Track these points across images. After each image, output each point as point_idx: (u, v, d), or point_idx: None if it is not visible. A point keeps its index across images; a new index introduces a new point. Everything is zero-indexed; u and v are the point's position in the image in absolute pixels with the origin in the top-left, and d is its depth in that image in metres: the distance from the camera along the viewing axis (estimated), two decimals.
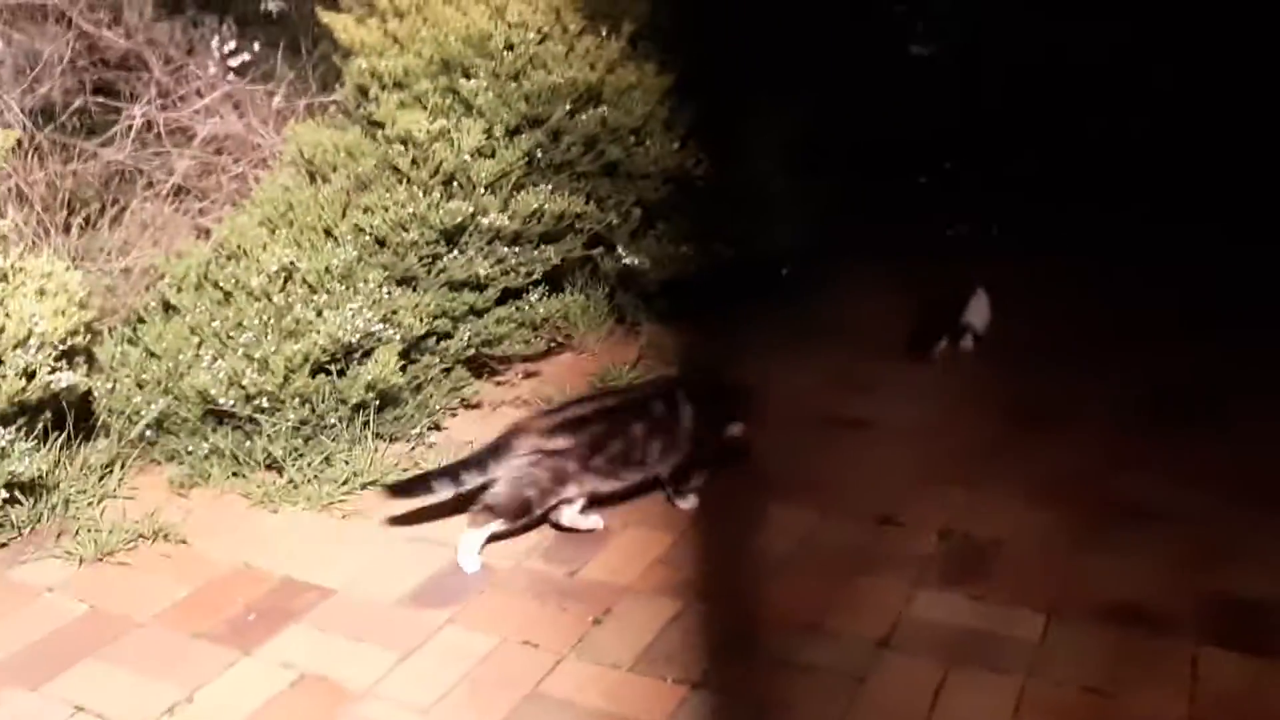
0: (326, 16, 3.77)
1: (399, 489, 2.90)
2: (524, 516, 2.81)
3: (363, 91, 3.65)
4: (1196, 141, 5.35)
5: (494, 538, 2.82)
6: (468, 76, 3.56)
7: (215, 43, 4.72)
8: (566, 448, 2.80)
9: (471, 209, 3.37)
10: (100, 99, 4.35)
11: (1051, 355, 4.09)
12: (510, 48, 3.59)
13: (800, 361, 3.99)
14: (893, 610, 2.60)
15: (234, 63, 4.63)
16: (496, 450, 2.79)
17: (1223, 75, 5.39)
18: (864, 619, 2.57)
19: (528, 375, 3.79)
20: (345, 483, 3.10)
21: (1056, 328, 4.37)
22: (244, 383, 3.04)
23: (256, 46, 4.75)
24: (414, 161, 3.38)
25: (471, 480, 2.78)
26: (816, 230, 4.76)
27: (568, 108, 3.66)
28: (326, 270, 3.24)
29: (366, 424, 3.24)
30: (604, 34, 3.82)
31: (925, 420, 3.56)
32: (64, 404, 2.97)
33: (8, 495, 2.78)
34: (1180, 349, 4.13)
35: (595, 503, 2.95)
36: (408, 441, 3.33)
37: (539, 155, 3.65)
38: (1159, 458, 3.29)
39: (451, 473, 2.80)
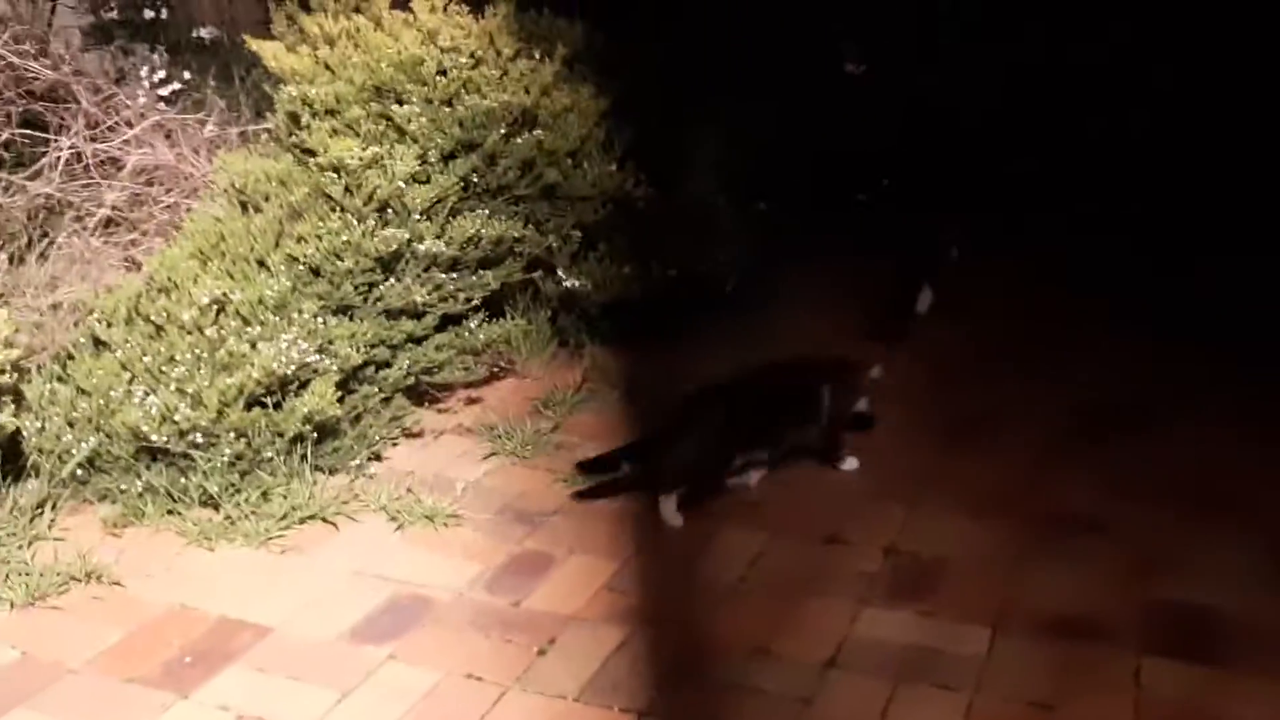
0: (255, 44, 3.72)
1: (587, 466, 3.25)
2: (706, 480, 3.14)
3: (294, 119, 3.60)
4: (1156, 150, 5.42)
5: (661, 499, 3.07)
6: (400, 102, 3.53)
7: (145, 72, 4.66)
8: (734, 416, 3.15)
9: (407, 236, 3.33)
10: (27, 131, 4.26)
11: (990, 367, 4.12)
12: (443, 72, 3.57)
13: None
14: (839, 630, 2.59)
15: (164, 91, 4.57)
16: (679, 421, 3.18)
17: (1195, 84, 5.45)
18: (811, 640, 2.56)
19: (470, 402, 3.75)
20: (284, 517, 3.04)
21: (995, 339, 4.40)
22: (177, 418, 2.98)
23: (187, 75, 4.69)
24: (347, 189, 3.34)
25: (655, 454, 3.15)
26: (759, 248, 4.77)
27: (503, 131, 3.64)
28: (260, 301, 3.19)
29: (304, 457, 3.18)
30: (538, 57, 3.81)
31: (868, 441, 3.55)
32: None
33: None
34: (1118, 358, 4.18)
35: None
36: (347, 473, 3.28)
37: (475, 180, 3.62)
38: (1098, 466, 3.31)
39: (636, 449, 3.21)
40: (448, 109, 3.57)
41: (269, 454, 3.13)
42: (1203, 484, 3.21)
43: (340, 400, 3.21)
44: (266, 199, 3.46)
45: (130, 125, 4.33)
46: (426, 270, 3.43)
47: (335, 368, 3.19)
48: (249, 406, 3.07)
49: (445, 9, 3.75)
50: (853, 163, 5.79)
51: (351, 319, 3.33)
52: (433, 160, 3.50)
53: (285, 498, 3.09)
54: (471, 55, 3.66)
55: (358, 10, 3.87)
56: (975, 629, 2.58)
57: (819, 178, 5.56)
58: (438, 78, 3.56)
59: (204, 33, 5.27)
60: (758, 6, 5.52)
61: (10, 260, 3.75)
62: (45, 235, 3.93)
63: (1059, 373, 4.01)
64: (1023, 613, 2.64)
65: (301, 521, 3.05)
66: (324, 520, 3.06)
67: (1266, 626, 2.58)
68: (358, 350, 3.23)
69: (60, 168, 4.14)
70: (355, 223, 3.31)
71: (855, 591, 2.74)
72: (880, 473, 3.34)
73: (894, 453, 3.45)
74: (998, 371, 4.06)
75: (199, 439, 3.02)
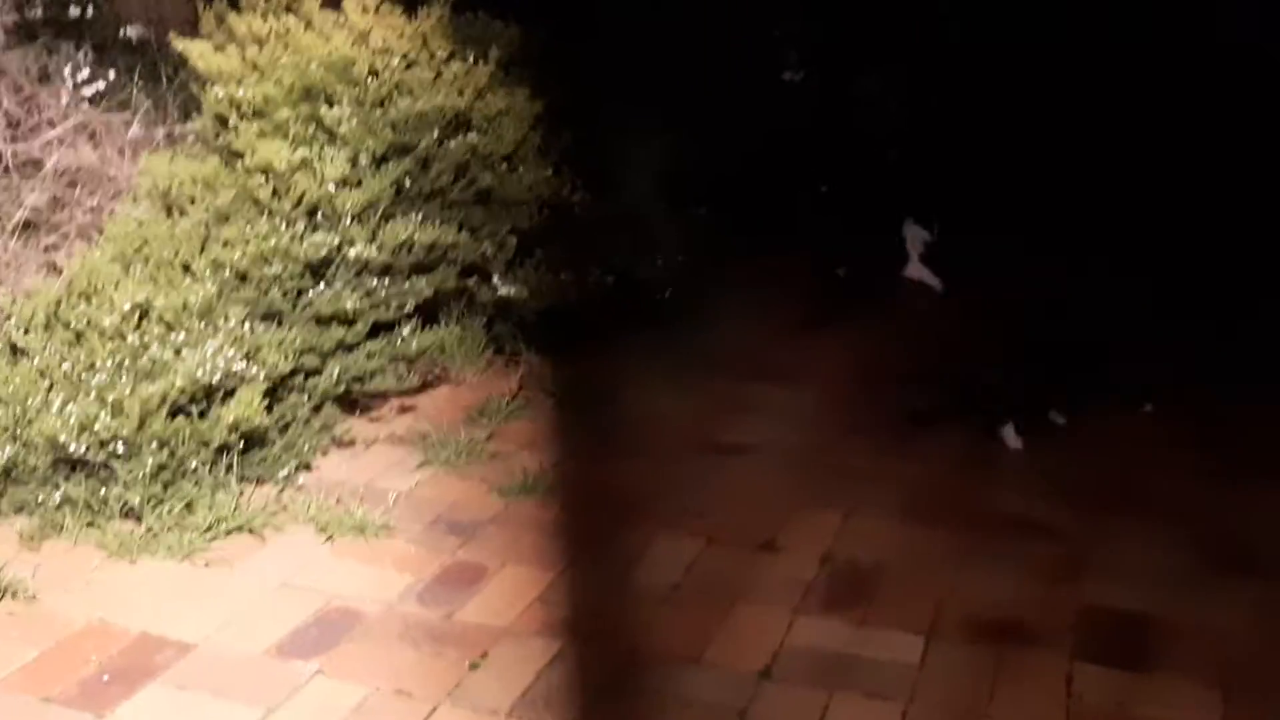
0: (182, 44, 3.64)
1: None
2: None
3: (221, 121, 3.52)
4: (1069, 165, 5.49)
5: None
6: (331, 104, 3.47)
7: (69, 71, 4.53)
8: None
9: (337, 241, 3.27)
10: None
11: (924, 367, 4.15)
12: (375, 74, 3.51)
13: (683, 387, 3.95)
14: (774, 639, 2.58)
15: (89, 91, 4.44)
16: None
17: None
18: (746, 649, 2.54)
19: (403, 410, 3.68)
20: (208, 529, 2.96)
21: (924, 345, 4.44)
22: (97, 427, 2.89)
23: (113, 74, 4.57)
24: (275, 193, 3.27)
25: None
26: (698, 254, 4.76)
27: (436, 135, 3.58)
28: (184, 307, 3.11)
29: (230, 467, 3.10)
30: (472, 60, 3.76)
31: (805, 441, 3.56)
32: None
33: None
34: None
35: None
36: (275, 484, 3.20)
37: (408, 184, 3.56)
38: (1027, 469, 3.35)
39: None
40: (380, 111, 3.51)
41: (193, 464, 3.05)
42: (1130, 483, 3.27)
43: (268, 409, 3.13)
44: (192, 202, 3.38)
45: (52, 125, 4.20)
46: (358, 276, 3.37)
47: (263, 376, 3.11)
48: (172, 415, 2.99)
49: (377, 10, 3.69)
50: (791, 168, 5.82)
51: (280, 326, 3.26)
52: (364, 164, 3.44)
53: (210, 509, 3.01)
54: (404, 57, 3.61)
55: (289, 10, 3.80)
56: (909, 637, 2.58)
57: (758, 183, 5.58)
58: (369, 79, 3.50)
59: (131, 32, 5.14)
60: (699, 13, 5.52)
61: None
62: None
63: (989, 377, 4.05)
64: (957, 618, 2.65)
65: (227, 533, 2.97)
66: (250, 532, 2.99)
67: (1192, 628, 2.62)
68: (286, 358, 3.16)
69: None
70: (284, 227, 3.24)
71: (790, 599, 2.73)
72: (817, 476, 3.34)
73: (831, 456, 3.46)
74: (932, 373, 4.09)
75: (120, 449, 2.92)
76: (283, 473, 3.22)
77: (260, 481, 3.20)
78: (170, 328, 3.08)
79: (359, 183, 3.40)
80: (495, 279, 3.89)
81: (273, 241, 3.20)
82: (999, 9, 5.50)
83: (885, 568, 2.86)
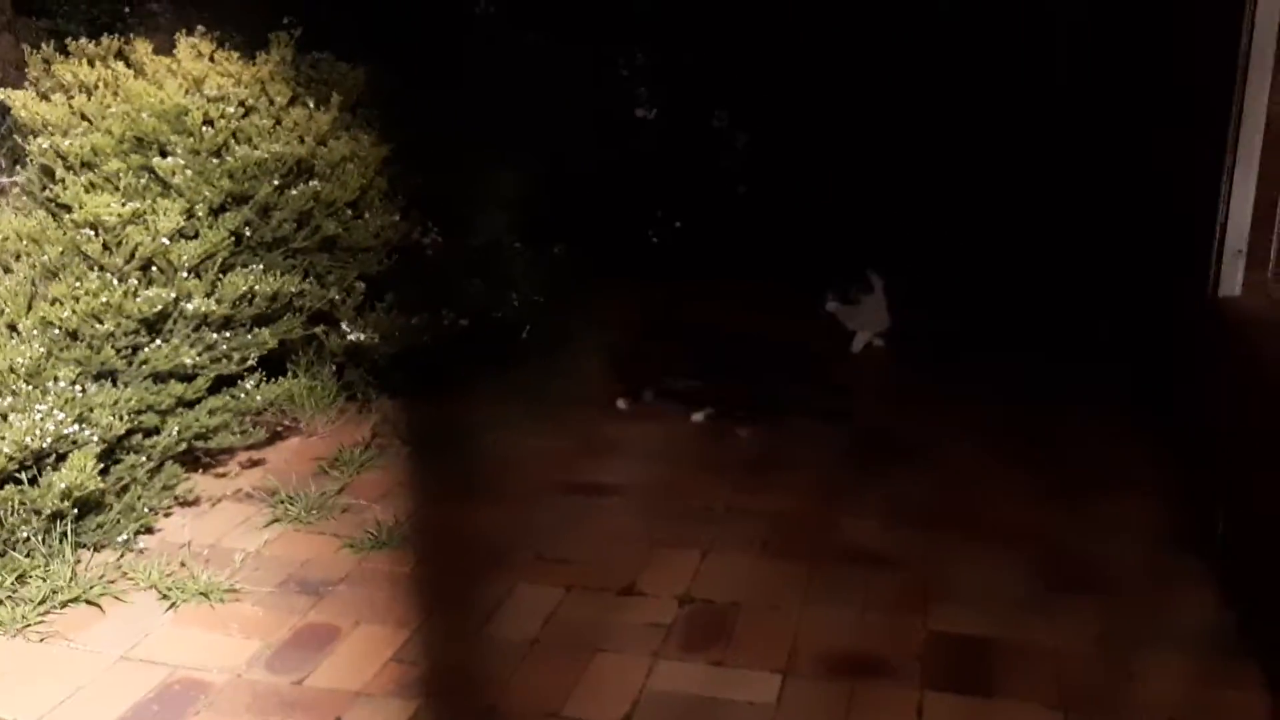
0: (3, 93, 3.47)
1: None
2: None
3: (48, 173, 3.37)
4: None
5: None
6: (164, 154, 3.35)
7: None
8: None
9: (174, 295, 3.15)
10: None
11: (770, 409, 4.23)
12: (210, 123, 3.41)
13: (542, 427, 3.95)
14: (634, 686, 2.57)
15: None
16: None
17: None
18: (606, 698, 2.52)
19: (250, 465, 3.58)
20: (42, 602, 2.81)
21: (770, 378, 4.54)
22: None
23: None
24: (106, 247, 3.14)
25: None
26: (553, 293, 4.76)
27: (276, 183, 3.50)
28: (10, 370, 2.95)
29: (65, 535, 2.96)
30: (315, 105, 3.69)
31: (662, 481, 3.58)
32: None
33: None
34: (889, 394, 4.36)
35: None
36: (114, 549, 3.06)
37: (248, 233, 3.47)
38: (872, 500, 3.43)
39: None
40: (216, 160, 3.41)
41: (24, 534, 2.90)
42: (971, 510, 3.37)
43: (104, 472, 3.00)
44: (17, 258, 3.22)
45: None
46: (196, 330, 3.26)
47: (96, 438, 2.98)
48: (0, 484, 2.84)
49: (212, 56, 3.59)
50: (647, 204, 5.88)
51: (114, 384, 3.13)
52: (200, 214, 3.33)
53: (44, 580, 2.87)
54: (241, 104, 3.52)
55: (119, 56, 3.68)
56: (767, 675, 2.60)
57: (613, 219, 5.61)
58: (204, 128, 3.40)
59: None
60: (550, 53, 5.55)
61: None
62: None
63: (831, 410, 4.17)
64: (811, 654, 2.68)
65: (63, 605, 2.82)
66: (88, 602, 2.85)
67: (1035, 649, 2.70)
68: (121, 418, 3.03)
69: None
70: (116, 282, 3.11)
71: (650, 644, 2.72)
72: (676, 515, 3.36)
73: (687, 496, 3.48)
74: (780, 412, 4.17)
75: None
76: (122, 537, 3.08)
77: (98, 548, 3.07)
78: None
79: (195, 234, 3.29)
80: (344, 325, 3.82)
81: (104, 298, 3.07)
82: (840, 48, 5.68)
83: (741, 606, 2.88)
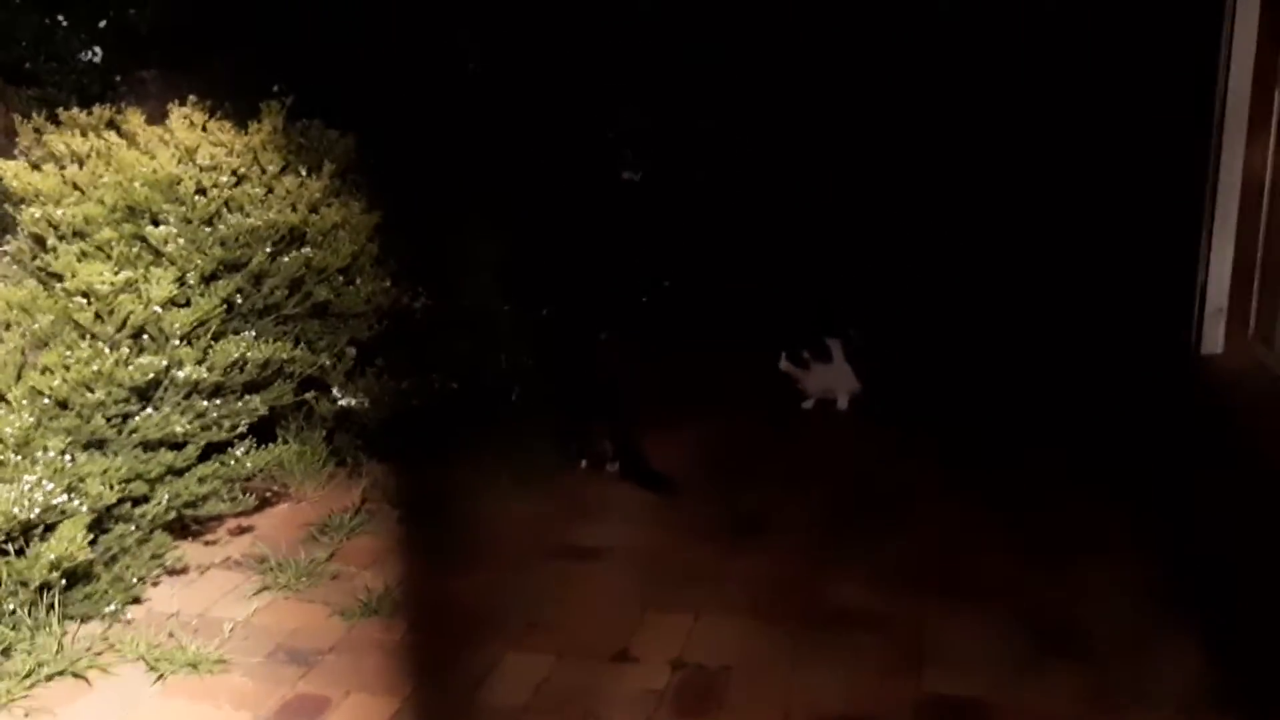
0: None
1: None
2: None
3: (39, 241, 3.39)
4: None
5: None
6: (156, 223, 3.38)
7: None
8: None
9: (165, 363, 3.16)
10: None
11: (756, 465, 4.25)
12: (202, 191, 3.44)
13: (531, 490, 3.95)
14: None
15: None
16: None
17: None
18: None
19: (239, 531, 3.56)
20: (28, 675, 2.78)
21: (751, 440, 4.56)
22: None
23: None
24: (98, 315, 3.15)
25: None
26: (542, 354, 4.78)
27: (269, 250, 3.53)
28: None
29: (52, 606, 2.93)
30: (305, 173, 3.73)
31: (652, 544, 3.57)
32: None
33: None
34: (869, 455, 4.39)
35: None
36: (102, 620, 3.04)
37: (239, 301, 3.49)
38: (865, 557, 3.43)
39: None
40: (208, 228, 3.44)
41: (11, 606, 2.88)
42: (961, 569, 3.37)
43: (92, 542, 2.98)
44: (8, 327, 3.23)
45: None
46: (187, 398, 3.26)
47: (86, 508, 2.97)
48: None
49: (204, 126, 3.63)
50: (635, 266, 5.94)
51: (104, 453, 3.12)
52: (192, 282, 3.35)
53: (30, 653, 2.84)
54: (234, 173, 3.55)
55: (111, 126, 3.72)
56: None
57: (602, 281, 5.66)
58: (196, 197, 3.43)
59: None
60: (537, 116, 5.63)
61: None
62: None
63: (816, 472, 4.19)
64: (805, 717, 2.67)
65: (49, 678, 2.80)
66: (75, 675, 2.83)
67: (1030, 713, 2.69)
68: (111, 487, 3.02)
69: None
70: (107, 351, 3.12)
71: (643, 711, 2.70)
72: (666, 577, 3.35)
73: (678, 558, 3.48)
74: (765, 470, 4.20)
75: None
76: (110, 608, 3.06)
77: (85, 619, 3.04)
78: None
79: (187, 302, 3.31)
80: (335, 390, 3.83)
81: (95, 366, 3.08)
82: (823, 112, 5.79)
83: (733, 670, 2.87)
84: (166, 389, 3.22)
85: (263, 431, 3.62)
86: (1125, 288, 4.54)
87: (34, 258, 3.41)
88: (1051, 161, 5.37)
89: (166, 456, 3.22)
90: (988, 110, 5.55)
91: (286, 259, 3.57)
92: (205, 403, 3.30)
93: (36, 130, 3.72)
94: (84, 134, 3.59)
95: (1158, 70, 4.35)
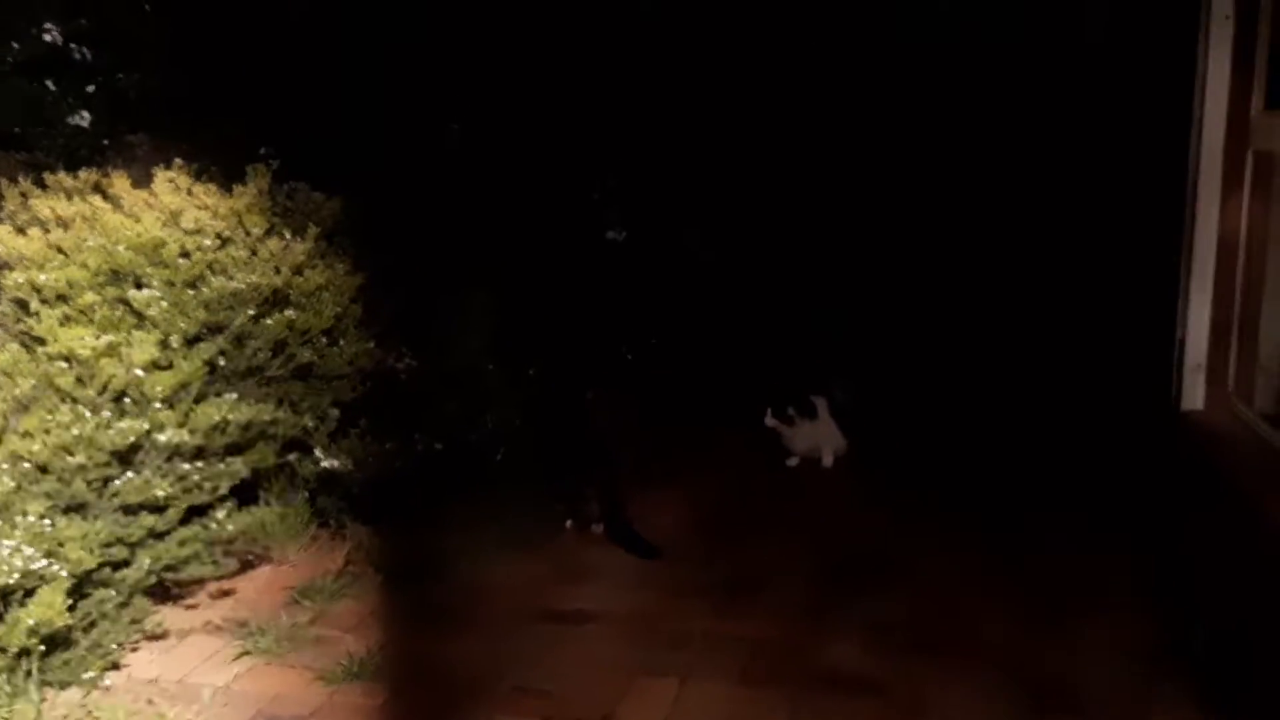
0: None
1: None
2: None
3: (22, 306, 3.38)
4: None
5: None
6: (140, 286, 3.38)
7: None
8: None
9: (146, 426, 3.14)
10: None
11: (745, 528, 4.24)
12: (186, 254, 3.44)
13: (518, 553, 3.92)
14: None
15: None
16: None
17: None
18: None
19: (221, 595, 3.53)
20: None
21: (744, 500, 4.55)
22: None
23: None
24: (79, 379, 3.14)
25: None
26: (530, 414, 4.77)
27: (252, 312, 3.52)
28: None
29: (30, 673, 2.89)
30: (290, 236, 3.74)
31: (638, 607, 3.54)
32: None
33: None
34: (858, 513, 4.38)
35: None
36: (81, 686, 3.00)
37: (222, 363, 3.48)
38: (858, 621, 3.40)
39: None
40: (192, 291, 3.44)
41: None
42: (956, 628, 3.35)
43: (71, 607, 2.94)
44: None
45: None
46: (168, 461, 3.24)
47: (66, 573, 2.94)
48: None
49: (189, 189, 3.65)
50: (621, 323, 5.96)
51: (84, 517, 3.09)
52: (175, 345, 3.34)
53: None
54: (218, 236, 3.56)
55: (96, 189, 3.73)
56: None
57: (588, 340, 5.67)
58: (180, 260, 3.43)
59: None
60: (523, 177, 5.67)
61: None
62: None
63: (806, 530, 4.18)
64: None
65: None
66: None
67: None
68: (91, 552, 2.99)
69: None
70: (88, 414, 3.11)
71: None
72: (654, 641, 3.32)
73: (667, 622, 3.44)
74: (754, 529, 4.19)
75: None
76: (88, 674, 3.02)
77: (64, 686, 3.00)
78: None
79: (169, 365, 3.30)
80: (318, 452, 3.81)
81: (76, 430, 3.06)
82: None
83: None
84: (148, 452, 3.20)
85: (245, 494, 3.59)
86: (1106, 344, 4.57)
87: (17, 321, 3.40)
88: (1033, 217, 5.43)
89: (147, 520, 3.19)
90: (968, 169, 5.62)
91: (270, 321, 3.57)
92: (186, 465, 3.28)
93: (23, 194, 3.73)
94: (69, 198, 3.60)
95: (1133, 129, 4.42)
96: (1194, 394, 3.44)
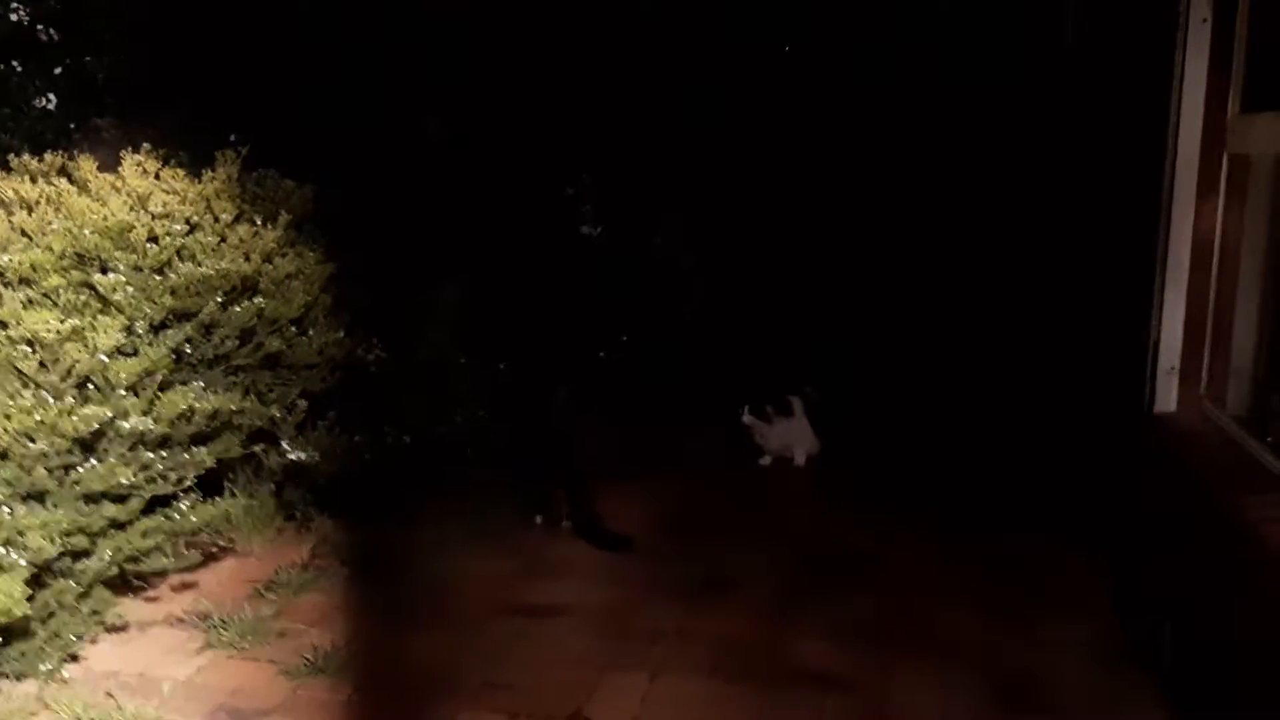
0: None
1: None
2: None
3: None
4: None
5: None
6: (105, 271, 3.31)
7: None
8: None
9: (110, 413, 3.08)
10: None
11: (714, 526, 4.21)
12: (154, 239, 3.38)
13: (484, 548, 3.88)
14: None
15: None
16: None
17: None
18: None
19: (183, 588, 3.47)
20: None
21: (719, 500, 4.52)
22: None
23: None
24: (42, 364, 3.07)
25: None
26: (500, 409, 4.73)
27: (220, 300, 3.46)
28: None
29: None
30: (260, 223, 3.68)
31: (612, 603, 3.51)
32: None
33: None
34: (829, 512, 4.36)
35: None
36: (38, 678, 2.94)
37: (189, 350, 3.41)
38: (826, 617, 3.39)
39: None
40: (159, 277, 3.37)
41: None
42: (925, 625, 3.35)
43: (30, 598, 2.88)
44: None
45: None
46: (132, 449, 3.17)
47: (25, 562, 2.87)
48: None
49: (158, 174, 3.58)
50: (593, 320, 5.92)
51: (45, 506, 3.02)
52: (140, 331, 3.28)
53: None
54: (186, 221, 3.49)
55: (62, 173, 3.65)
56: None
57: (559, 336, 5.63)
58: (148, 245, 3.36)
59: None
60: (498, 171, 5.62)
61: None
62: None
63: (777, 529, 4.17)
64: None
65: None
66: None
67: None
68: (51, 541, 2.92)
69: None
70: (51, 400, 3.03)
71: None
72: (624, 636, 3.29)
73: (638, 617, 3.42)
74: (725, 527, 4.17)
75: None
76: (46, 666, 2.96)
77: (21, 677, 2.94)
78: None
79: (135, 351, 3.23)
80: (285, 444, 3.76)
81: (38, 416, 2.99)
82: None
83: None
84: (111, 440, 3.13)
85: (209, 485, 3.53)
86: (1079, 346, 4.57)
87: None
88: (1007, 220, 5.44)
89: (109, 509, 3.12)
90: (942, 170, 5.62)
91: (238, 308, 3.51)
92: (151, 454, 3.21)
93: None
94: (34, 180, 3.53)
95: (1109, 133, 4.43)
96: (1167, 396, 3.42)
